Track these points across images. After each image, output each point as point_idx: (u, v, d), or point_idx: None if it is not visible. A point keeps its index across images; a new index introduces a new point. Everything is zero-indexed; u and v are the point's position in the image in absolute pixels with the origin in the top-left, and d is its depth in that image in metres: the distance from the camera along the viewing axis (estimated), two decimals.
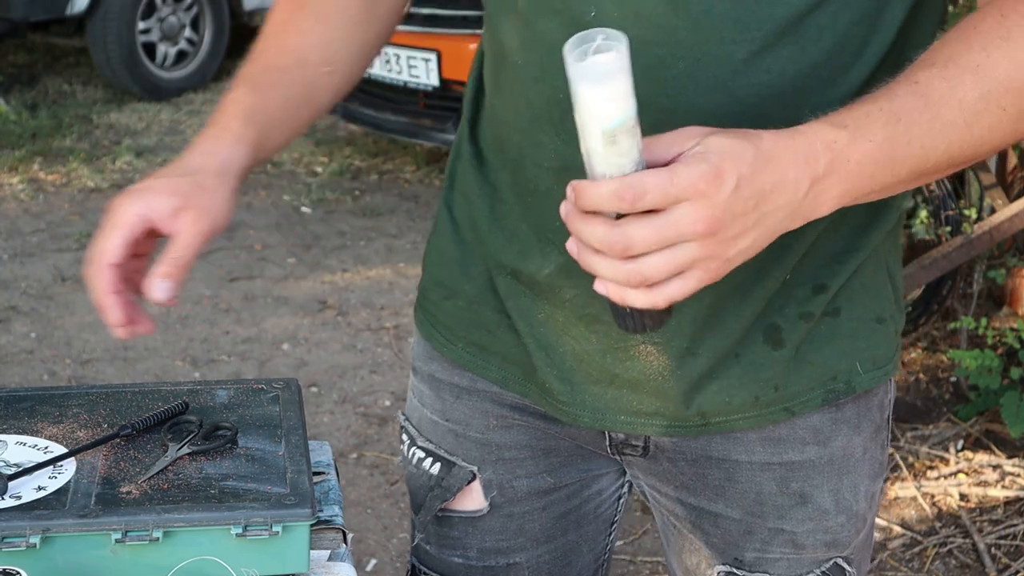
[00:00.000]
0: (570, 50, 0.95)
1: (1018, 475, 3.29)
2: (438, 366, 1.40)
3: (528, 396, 1.33)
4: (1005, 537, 3.05)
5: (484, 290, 1.32)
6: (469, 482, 1.39)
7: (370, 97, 4.97)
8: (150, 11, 6.23)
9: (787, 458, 1.27)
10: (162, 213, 1.17)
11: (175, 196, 1.17)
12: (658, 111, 1.10)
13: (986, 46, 1.03)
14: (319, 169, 5.36)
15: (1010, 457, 3.37)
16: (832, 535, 1.30)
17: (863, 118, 1.00)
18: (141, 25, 6.17)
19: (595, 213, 0.96)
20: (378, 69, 4.87)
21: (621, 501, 1.47)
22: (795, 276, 1.20)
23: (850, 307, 1.25)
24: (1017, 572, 2.95)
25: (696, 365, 1.22)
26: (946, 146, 1.03)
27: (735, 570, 1.32)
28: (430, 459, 1.42)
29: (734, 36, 1.10)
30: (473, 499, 1.40)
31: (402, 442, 1.47)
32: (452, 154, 1.38)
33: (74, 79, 6.51)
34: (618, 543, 2.90)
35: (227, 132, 1.25)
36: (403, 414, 1.48)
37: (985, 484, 3.27)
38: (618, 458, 1.36)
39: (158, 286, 1.17)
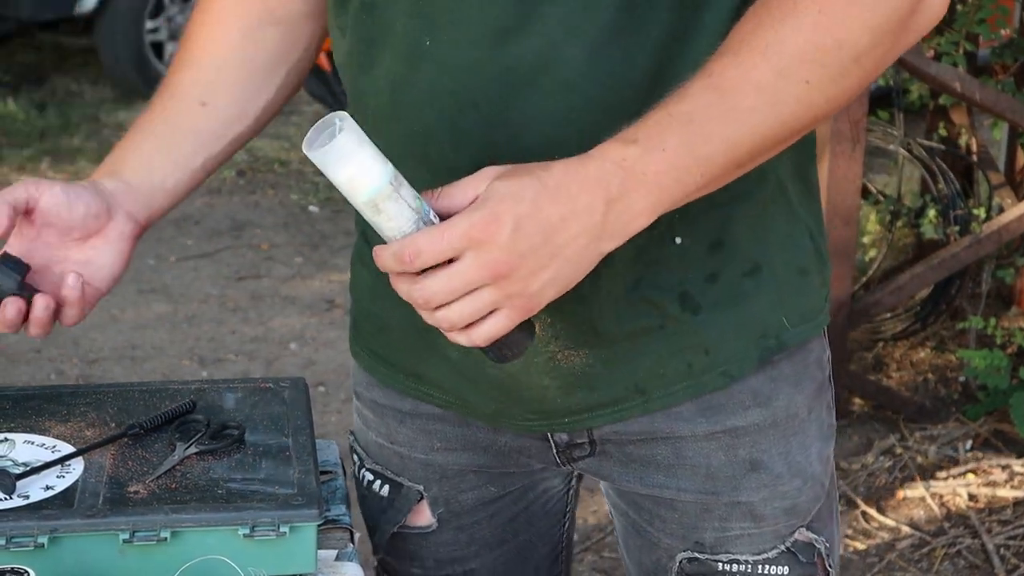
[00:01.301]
0: (308, 145, 1.02)
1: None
2: (380, 393, 1.42)
3: (469, 415, 1.35)
4: (1014, 538, 3.05)
5: (411, 322, 1.30)
6: (418, 501, 1.41)
7: None
8: (158, 10, 6.24)
9: (730, 424, 1.27)
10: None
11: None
12: (512, 124, 1.13)
13: (774, 23, 1.03)
14: None
15: (1019, 457, 3.37)
16: (790, 500, 1.29)
17: (654, 127, 1.02)
18: (149, 24, 6.18)
19: None
20: None
21: (571, 493, 1.48)
22: (685, 238, 1.19)
23: (769, 263, 1.24)
24: None
25: (621, 347, 1.22)
26: (752, 131, 1.04)
27: (697, 555, 1.31)
28: (379, 481, 1.43)
29: (568, 38, 1.11)
30: (422, 516, 1.42)
31: (352, 463, 1.48)
32: None
33: (82, 78, 6.52)
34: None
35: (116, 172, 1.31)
36: (352, 435, 1.50)
37: (994, 484, 3.27)
38: (568, 467, 1.36)
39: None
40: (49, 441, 1.39)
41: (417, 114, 1.16)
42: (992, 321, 3.53)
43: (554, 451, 1.33)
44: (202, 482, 1.33)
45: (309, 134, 1.02)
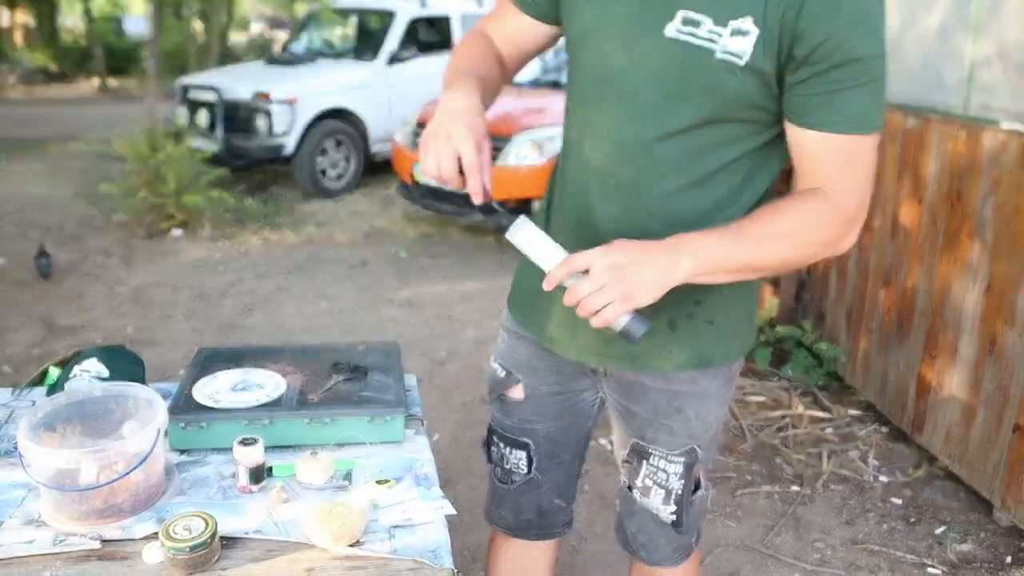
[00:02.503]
0: (507, 233, 1.01)
1: (760, 388, 3.09)
2: (512, 323, 1.32)
3: (547, 344, 1.26)
4: (759, 419, 2.86)
5: (533, 287, 1.26)
6: (517, 384, 1.32)
7: (436, 196, 4.98)
8: (323, 152, 6.24)
9: (673, 388, 1.21)
10: (481, 129, 1.04)
11: (481, 118, 1.05)
12: (616, 213, 1.09)
13: (776, 218, 1.02)
14: (409, 233, 5.33)
15: (759, 380, 3.14)
16: (692, 431, 1.23)
17: (706, 234, 1.00)
18: (319, 160, 6.19)
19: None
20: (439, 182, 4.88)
21: (595, 407, 1.34)
22: (683, 297, 1.14)
23: (720, 320, 1.18)
24: (763, 427, 2.71)
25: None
26: (749, 258, 1.02)
27: (640, 441, 1.26)
28: (501, 369, 1.33)
29: (670, 177, 1.07)
30: (518, 392, 1.32)
31: (491, 358, 1.38)
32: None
33: (285, 187, 6.50)
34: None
35: (475, 90, 1.09)
36: (494, 347, 1.38)
37: (747, 394, 3.02)
38: (593, 376, 1.29)
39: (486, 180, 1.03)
40: (268, 373, 1.41)
41: (584, 182, 1.13)
42: None
43: (589, 369, 1.28)
44: (345, 394, 1.35)
45: (510, 227, 1.01)
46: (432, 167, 1.03)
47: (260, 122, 5.87)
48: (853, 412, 2.90)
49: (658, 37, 1.02)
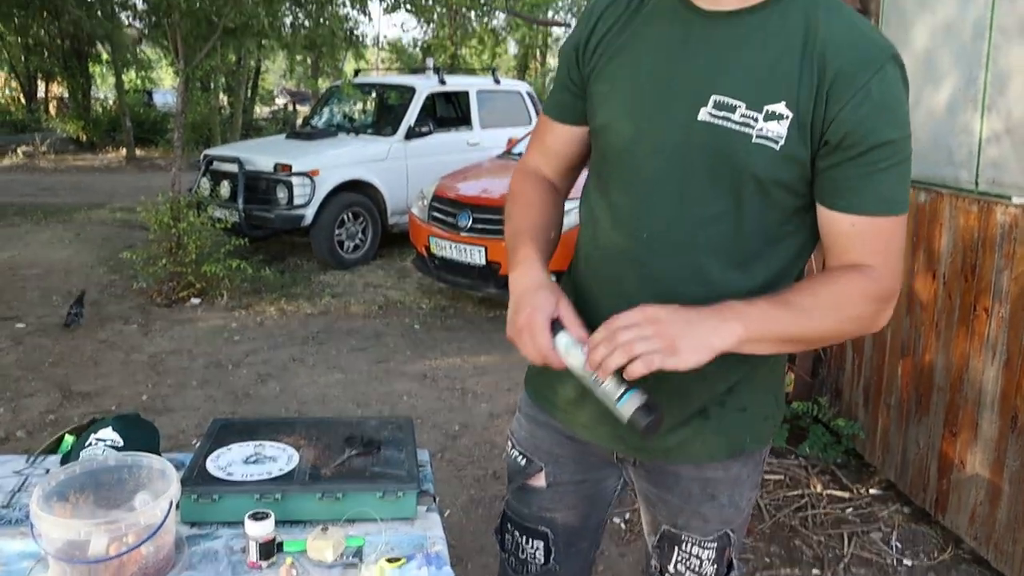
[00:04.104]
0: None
1: (777, 466, 3.09)
2: (530, 409, 1.31)
3: (573, 430, 1.24)
4: (776, 498, 2.85)
5: (552, 375, 1.21)
6: (539, 471, 1.30)
7: (451, 269, 5.04)
8: (341, 224, 6.33)
9: (706, 475, 1.20)
10: (549, 302, 1.04)
11: (554, 296, 1.05)
12: (656, 303, 0.99)
13: (819, 290, 1.00)
14: (423, 305, 5.36)
15: (776, 458, 3.24)
16: (725, 516, 1.22)
17: (753, 302, 0.98)
18: (336, 232, 6.28)
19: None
20: (455, 255, 4.94)
21: (616, 493, 1.34)
22: (715, 385, 1.13)
23: (751, 407, 1.17)
24: (781, 507, 2.70)
25: (665, 429, 1.16)
26: (796, 328, 0.99)
27: (671, 528, 1.25)
28: (520, 456, 1.31)
29: (711, 264, 1.04)
30: (539, 480, 1.30)
31: (508, 445, 1.36)
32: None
33: (302, 258, 6.58)
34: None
35: (536, 261, 1.10)
36: (511, 430, 1.36)
37: (764, 473, 3.09)
38: (620, 466, 1.28)
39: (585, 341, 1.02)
40: (281, 446, 1.41)
41: (617, 272, 1.10)
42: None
43: (615, 458, 1.27)
44: (358, 468, 1.35)
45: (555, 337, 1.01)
46: (534, 357, 1.02)
47: (280, 193, 5.99)
48: (874, 491, 2.83)
49: (691, 122, 1.00)
